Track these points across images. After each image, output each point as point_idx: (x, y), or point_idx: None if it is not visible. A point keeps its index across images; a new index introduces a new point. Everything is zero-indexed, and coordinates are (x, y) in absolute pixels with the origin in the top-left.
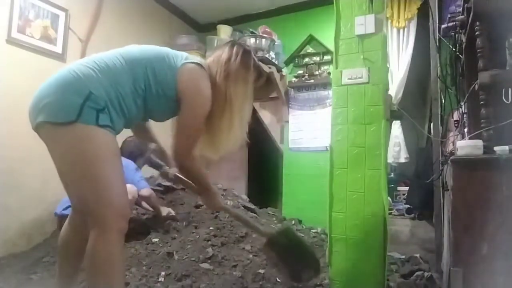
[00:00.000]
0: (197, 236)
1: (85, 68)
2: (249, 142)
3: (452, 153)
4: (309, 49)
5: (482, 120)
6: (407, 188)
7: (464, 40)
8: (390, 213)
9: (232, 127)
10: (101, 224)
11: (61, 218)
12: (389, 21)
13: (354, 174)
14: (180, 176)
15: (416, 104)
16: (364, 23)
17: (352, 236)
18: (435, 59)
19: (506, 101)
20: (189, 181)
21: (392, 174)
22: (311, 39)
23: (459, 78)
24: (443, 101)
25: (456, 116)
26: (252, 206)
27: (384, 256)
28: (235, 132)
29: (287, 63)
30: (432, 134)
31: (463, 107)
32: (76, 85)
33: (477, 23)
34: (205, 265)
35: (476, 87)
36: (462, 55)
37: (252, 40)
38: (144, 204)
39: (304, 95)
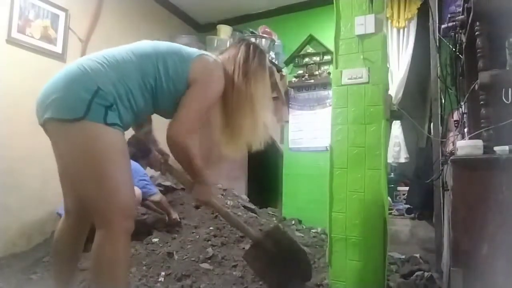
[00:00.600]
0: (197, 236)
1: (93, 63)
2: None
3: (452, 153)
4: (309, 49)
5: (482, 120)
6: (407, 188)
7: (464, 40)
8: (390, 213)
9: (256, 125)
10: (107, 224)
11: None
12: (389, 21)
13: (354, 174)
14: (170, 164)
15: (416, 104)
16: (364, 23)
17: (352, 236)
18: (435, 59)
19: (506, 101)
20: (179, 171)
21: (392, 174)
22: (311, 39)
23: (459, 78)
24: (443, 101)
25: (456, 116)
26: (252, 206)
27: (384, 256)
28: (259, 130)
29: (287, 63)
30: (432, 134)
31: (463, 107)
32: (84, 80)
33: (477, 23)
34: (205, 265)
35: (476, 87)
36: (462, 55)
37: (252, 40)
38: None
39: (304, 95)
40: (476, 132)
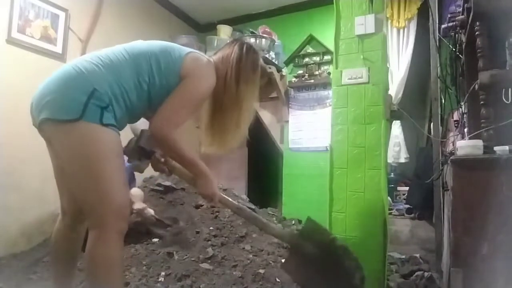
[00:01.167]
0: (197, 236)
1: (88, 63)
2: (249, 140)
3: (452, 153)
4: (309, 49)
5: (482, 120)
6: (407, 188)
7: (464, 40)
8: (390, 213)
9: (240, 125)
10: (101, 225)
11: None
12: (389, 21)
13: (354, 174)
14: (172, 162)
15: (416, 104)
16: (364, 23)
17: (352, 236)
18: (435, 59)
19: (506, 101)
20: (181, 169)
21: (392, 174)
22: (311, 39)
23: (459, 78)
24: (443, 101)
25: (456, 116)
26: (252, 206)
27: (384, 256)
28: (241, 130)
29: (287, 63)
30: (432, 134)
31: (463, 107)
32: (80, 81)
33: (477, 23)
34: (205, 265)
35: (476, 87)
36: (462, 55)
37: (252, 40)
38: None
39: (304, 95)
40: (476, 132)
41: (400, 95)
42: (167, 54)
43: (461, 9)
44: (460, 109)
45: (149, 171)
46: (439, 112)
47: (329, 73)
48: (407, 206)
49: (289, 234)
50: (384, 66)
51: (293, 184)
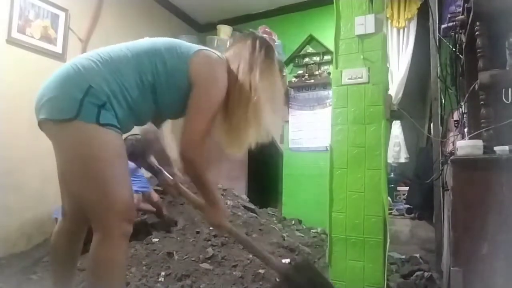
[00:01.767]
0: (197, 236)
1: (86, 61)
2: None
3: (452, 153)
4: (309, 49)
5: (482, 120)
6: (407, 188)
7: (464, 40)
8: (390, 213)
9: (260, 121)
10: (104, 227)
11: None
12: (389, 21)
13: (354, 174)
14: (181, 185)
15: (416, 104)
16: (364, 23)
17: (352, 236)
18: (435, 59)
19: (506, 101)
20: (190, 193)
21: (392, 174)
22: (311, 39)
23: (459, 78)
24: (443, 101)
25: (456, 116)
26: (252, 206)
27: (384, 256)
28: (263, 126)
29: (287, 63)
30: (432, 134)
31: (463, 107)
32: (76, 79)
33: (477, 23)
34: (205, 265)
35: (476, 87)
36: (462, 55)
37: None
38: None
39: (304, 95)
40: (476, 132)
41: (400, 95)
42: (172, 51)
43: (461, 9)
44: (460, 109)
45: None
46: (439, 112)
47: (329, 73)
48: (407, 206)
49: (281, 265)
50: (384, 66)
51: (293, 184)
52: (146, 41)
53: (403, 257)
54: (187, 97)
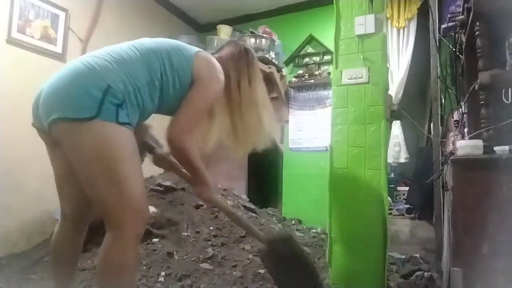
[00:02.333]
0: (197, 236)
1: (100, 60)
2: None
3: (452, 153)
4: (309, 49)
5: (482, 120)
6: (407, 188)
7: (464, 40)
8: (390, 213)
9: (262, 122)
10: (120, 227)
11: None
12: (389, 21)
13: (354, 174)
14: (173, 160)
15: (416, 104)
16: (364, 23)
17: (352, 236)
18: (435, 59)
19: (506, 101)
20: (180, 169)
21: (392, 174)
22: (311, 39)
23: (459, 78)
24: (443, 101)
25: (456, 116)
26: (252, 206)
27: (384, 256)
28: (265, 127)
29: (287, 63)
30: (432, 134)
31: (463, 107)
32: (93, 77)
33: (477, 23)
34: (205, 265)
35: (476, 87)
36: (462, 55)
37: (252, 40)
38: None
39: (304, 95)
40: (476, 132)
41: (400, 95)
42: (178, 51)
43: (461, 9)
44: (460, 109)
45: (150, 171)
46: (439, 112)
47: (329, 73)
48: (407, 206)
49: (267, 236)
50: (384, 66)
51: (293, 184)
52: (151, 41)
53: (403, 257)
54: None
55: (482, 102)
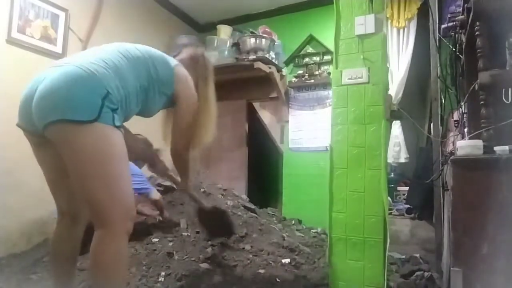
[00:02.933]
0: (197, 236)
1: (95, 65)
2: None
3: (452, 153)
4: (309, 49)
5: (482, 120)
6: (407, 188)
7: (464, 40)
8: (390, 213)
9: (212, 121)
10: (109, 224)
11: None
12: (389, 21)
13: (354, 174)
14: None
15: (416, 104)
16: (364, 23)
17: (352, 236)
18: (435, 59)
19: (506, 101)
20: (174, 177)
21: (392, 174)
22: (311, 39)
23: (459, 78)
24: (443, 101)
25: (456, 116)
26: (252, 206)
27: (384, 256)
28: (213, 126)
29: (287, 63)
30: (432, 134)
31: (463, 107)
32: (93, 82)
33: (477, 23)
34: (205, 265)
35: (476, 87)
36: (462, 55)
37: (252, 40)
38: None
39: (304, 95)
40: (476, 132)
41: (400, 95)
42: (160, 61)
43: (461, 9)
44: (460, 109)
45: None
46: (439, 112)
47: (329, 73)
48: (407, 206)
49: (207, 207)
50: (384, 66)
51: (293, 184)
52: (135, 48)
53: (403, 257)
54: (168, 100)
55: (482, 102)
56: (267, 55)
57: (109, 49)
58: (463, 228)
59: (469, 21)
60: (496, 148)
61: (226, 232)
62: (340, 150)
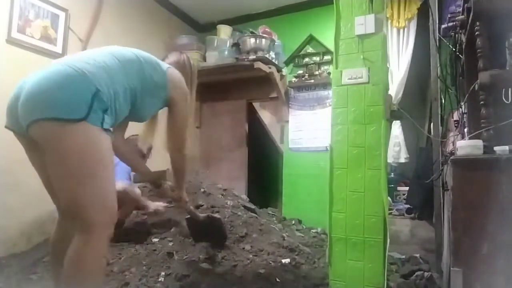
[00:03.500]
0: None
1: (86, 64)
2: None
3: (452, 153)
4: (309, 49)
5: (482, 120)
6: (407, 188)
7: (464, 40)
8: (390, 213)
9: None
10: (91, 229)
11: None
12: (389, 21)
13: (354, 174)
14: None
15: (416, 104)
16: (364, 23)
17: (352, 236)
18: (435, 59)
19: (506, 101)
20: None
21: (392, 174)
22: (311, 39)
23: (459, 78)
24: (443, 101)
25: (456, 116)
26: (252, 206)
27: (384, 256)
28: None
29: (287, 63)
30: (432, 134)
31: (463, 107)
32: (83, 81)
33: (477, 23)
34: (205, 265)
35: (476, 87)
36: (462, 55)
37: (252, 40)
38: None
39: (304, 95)
40: (476, 132)
41: (400, 95)
42: (153, 64)
43: (461, 9)
44: (460, 109)
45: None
46: (439, 112)
47: (329, 73)
48: (407, 206)
49: (199, 216)
50: (384, 66)
51: (293, 184)
52: (128, 51)
53: (403, 257)
54: (162, 103)
55: (482, 102)
56: (267, 55)
57: (102, 51)
58: (463, 228)
59: (469, 21)
60: (496, 148)
61: (215, 241)
62: (340, 150)
